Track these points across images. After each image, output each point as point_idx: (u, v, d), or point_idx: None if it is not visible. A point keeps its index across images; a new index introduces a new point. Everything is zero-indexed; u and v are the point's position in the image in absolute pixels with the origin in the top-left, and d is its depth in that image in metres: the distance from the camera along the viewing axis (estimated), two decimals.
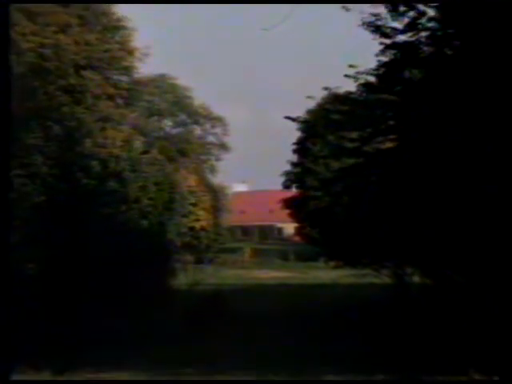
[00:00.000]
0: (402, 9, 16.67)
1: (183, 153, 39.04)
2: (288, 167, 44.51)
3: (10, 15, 3.94)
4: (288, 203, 45.24)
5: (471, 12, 15.75)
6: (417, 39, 16.83)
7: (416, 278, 21.90)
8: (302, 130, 37.79)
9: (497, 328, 14.07)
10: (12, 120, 3.96)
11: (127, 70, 30.95)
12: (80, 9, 29.42)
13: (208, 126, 46.99)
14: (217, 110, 47.48)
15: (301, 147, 40.70)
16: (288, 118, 21.69)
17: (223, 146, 48.32)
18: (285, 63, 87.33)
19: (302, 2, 18.04)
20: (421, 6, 16.70)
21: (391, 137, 17.97)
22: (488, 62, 15.02)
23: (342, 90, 19.91)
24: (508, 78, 14.55)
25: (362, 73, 17.57)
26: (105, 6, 30.33)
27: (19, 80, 24.00)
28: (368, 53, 17.41)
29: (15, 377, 14.18)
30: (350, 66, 17.56)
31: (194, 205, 37.69)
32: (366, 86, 17.99)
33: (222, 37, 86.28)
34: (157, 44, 73.01)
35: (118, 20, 30.55)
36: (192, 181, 37.87)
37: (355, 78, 17.74)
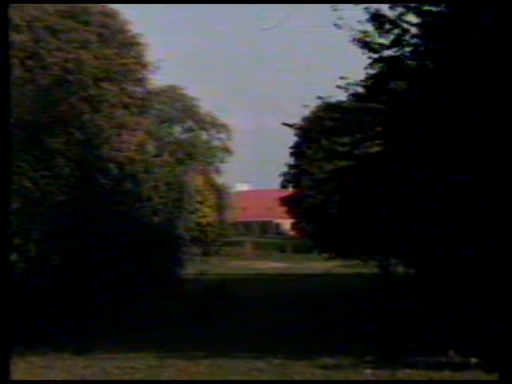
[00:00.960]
0: (387, 27, 16.66)
1: (191, 156, 38.98)
2: (285, 169, 44.57)
3: (8, 15, 3.72)
4: (285, 201, 45.30)
5: (451, 30, 15.72)
6: (401, 54, 16.82)
7: (400, 269, 21.83)
8: (298, 135, 37.75)
9: (474, 312, 14.01)
10: (10, 120, 3.71)
11: (141, 82, 30.97)
12: (99, 27, 29.43)
13: (213, 131, 46.93)
14: (221, 117, 47.30)
15: (297, 151, 40.68)
16: (285, 124, 21.63)
17: (227, 150, 48.30)
18: (283, 74, 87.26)
19: (302, 2, 17.61)
20: (405, 24, 16.69)
21: (378, 142, 17.94)
22: (466, 74, 15.01)
23: (333, 99, 19.79)
24: (483, 89, 14.52)
25: (352, 84, 17.56)
26: (121, 24, 30.34)
27: (45, 91, 23.94)
28: (357, 65, 17.41)
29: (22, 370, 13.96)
30: (341, 77, 17.55)
31: (200, 203, 37.62)
32: (356, 95, 17.97)
33: (224, 49, 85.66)
34: (168, 57, 72.86)
35: (133, 37, 30.53)
36: (199, 181, 37.79)
37: (346, 88, 17.72)
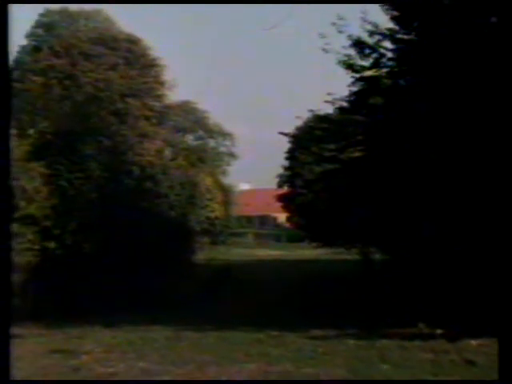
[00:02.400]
0: (367, 51, 16.62)
1: (201, 160, 38.77)
2: (281, 171, 44.50)
3: (8, 15, 3.46)
4: (281, 198, 45.03)
5: (419, 55, 15.73)
6: (379, 74, 16.76)
7: (377, 255, 21.85)
8: (292, 142, 37.63)
9: (438, 289, 14.01)
10: (10, 122, 3.56)
11: (159, 97, 30.93)
12: (125, 52, 29.41)
13: (220, 139, 46.76)
14: (227, 126, 47.03)
15: (291, 155, 40.49)
16: (281, 133, 21.63)
17: (232, 155, 48.10)
18: (278, 89, 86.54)
19: (302, 2, 17.16)
20: (382, 50, 16.65)
21: (360, 148, 17.89)
22: (431, 90, 15.03)
23: (322, 112, 19.76)
24: (446, 102, 14.54)
25: (338, 99, 17.52)
26: (143, 49, 30.33)
27: (79, 106, 23.94)
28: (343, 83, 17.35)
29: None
30: (328, 94, 17.50)
31: (209, 200, 37.42)
32: (341, 109, 17.93)
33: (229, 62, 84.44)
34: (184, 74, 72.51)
35: (153, 60, 30.52)
36: (208, 181, 37.61)
37: (333, 102, 17.68)
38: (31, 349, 12.52)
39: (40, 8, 32.16)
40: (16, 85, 24.28)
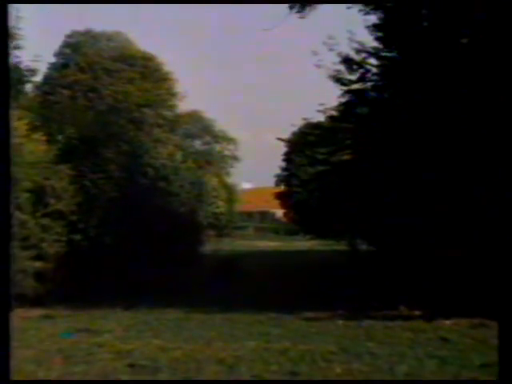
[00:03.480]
0: (354, 67, 16.60)
1: (208, 163, 38.73)
2: (279, 171, 44.53)
3: (8, 15, 3.36)
4: (279, 196, 45.02)
5: (400, 70, 15.74)
6: (365, 87, 16.76)
7: (363, 246, 21.80)
8: (288, 146, 37.62)
9: (417, 275, 14.00)
10: (10, 124, 3.52)
11: (171, 107, 30.92)
12: (141, 67, 29.42)
13: (225, 144, 46.59)
14: (231, 132, 46.80)
15: (287, 158, 40.47)
16: (279, 139, 21.62)
17: (235, 158, 47.89)
18: (277, 99, 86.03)
19: (301, 2, 16.45)
20: (367, 66, 16.64)
21: (348, 152, 17.88)
22: (412, 103, 15.05)
23: (315, 120, 19.76)
24: (424, 113, 14.55)
25: (329, 109, 17.51)
26: (157, 64, 30.36)
27: (101, 115, 23.89)
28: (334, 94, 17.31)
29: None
30: (321, 104, 17.50)
31: (215, 197, 37.32)
32: (331, 117, 17.91)
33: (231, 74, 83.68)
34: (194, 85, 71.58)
35: (166, 74, 30.51)
36: (214, 181, 37.55)
37: (324, 111, 17.69)
38: (61, 328, 12.57)
39: (67, 30, 32.19)
40: (46, 97, 24.30)
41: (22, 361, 9.19)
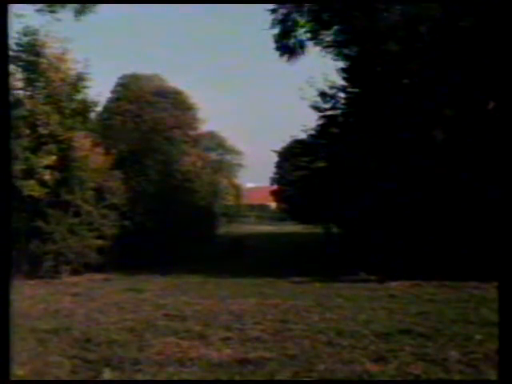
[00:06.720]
0: (328, 99, 16.63)
1: (221, 169, 38.63)
2: (273, 174, 44.69)
3: (8, 15, 2.92)
4: (273, 193, 45.18)
5: (361, 101, 15.69)
6: (336, 113, 16.80)
7: (335, 229, 21.71)
8: (279, 156, 37.65)
9: (373, 249, 13.83)
10: (10, 126, 3.00)
11: (195, 129, 31.15)
12: (172, 99, 29.61)
13: (233, 155, 46.45)
14: (238, 146, 46.53)
15: (279, 165, 40.51)
16: (273, 150, 21.51)
17: (240, 165, 47.81)
18: (272, 119, 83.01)
19: (302, 2, 15.28)
20: (337, 98, 16.65)
21: (323, 161, 17.85)
22: (369, 125, 14.97)
23: (299, 137, 19.77)
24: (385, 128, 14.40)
25: (309, 129, 17.52)
26: (184, 97, 30.67)
27: (143, 134, 23.63)
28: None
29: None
30: (303, 125, 17.55)
31: (226, 194, 37.28)
32: (311, 135, 17.90)
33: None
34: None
35: (191, 104, 30.93)
36: (225, 182, 37.48)
37: (306, 130, 17.71)
38: (115, 287, 12.59)
39: (119, 74, 32.08)
40: (105, 122, 24.28)
41: (89, 310, 9.23)
